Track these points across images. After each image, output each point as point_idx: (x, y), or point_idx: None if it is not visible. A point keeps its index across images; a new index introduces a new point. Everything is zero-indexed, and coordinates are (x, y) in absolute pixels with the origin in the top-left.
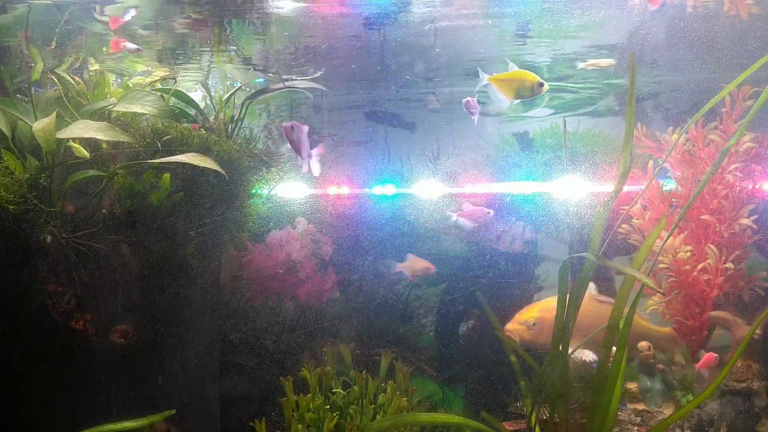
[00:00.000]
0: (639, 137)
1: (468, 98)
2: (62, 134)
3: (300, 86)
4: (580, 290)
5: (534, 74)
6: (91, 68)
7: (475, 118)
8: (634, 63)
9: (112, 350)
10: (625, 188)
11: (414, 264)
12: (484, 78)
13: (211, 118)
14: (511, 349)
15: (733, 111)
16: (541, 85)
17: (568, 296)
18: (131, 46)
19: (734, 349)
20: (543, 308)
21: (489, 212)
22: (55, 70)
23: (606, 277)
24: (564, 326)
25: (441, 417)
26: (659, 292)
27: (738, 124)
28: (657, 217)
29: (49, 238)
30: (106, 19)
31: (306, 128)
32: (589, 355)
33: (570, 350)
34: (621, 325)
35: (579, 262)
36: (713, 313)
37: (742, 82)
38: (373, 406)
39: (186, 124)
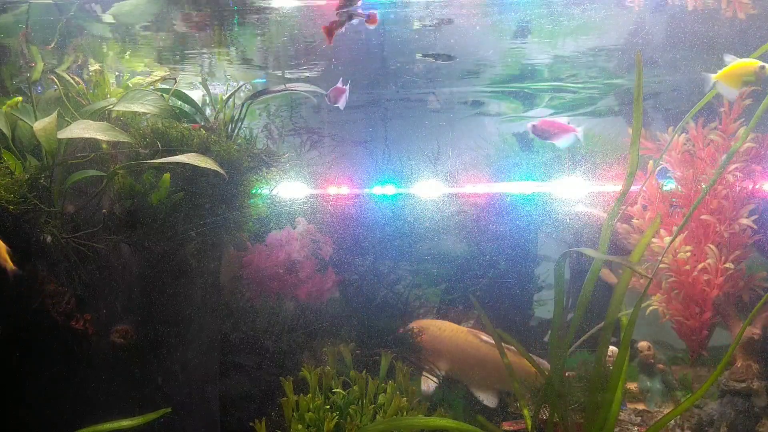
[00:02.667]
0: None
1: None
2: (62, 134)
3: (299, 89)
4: (588, 290)
5: (753, 60)
6: (91, 68)
7: (341, 104)
8: (640, 61)
9: (112, 350)
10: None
11: None
12: (710, 78)
13: (211, 118)
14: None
15: (732, 111)
16: (763, 67)
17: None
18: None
19: (736, 348)
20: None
21: None
22: (55, 70)
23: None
24: (561, 326)
25: (435, 421)
26: (646, 276)
27: (737, 123)
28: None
29: (49, 238)
30: (110, 20)
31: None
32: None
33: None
34: (624, 323)
35: (574, 260)
36: None
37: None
38: (373, 406)
39: (186, 124)
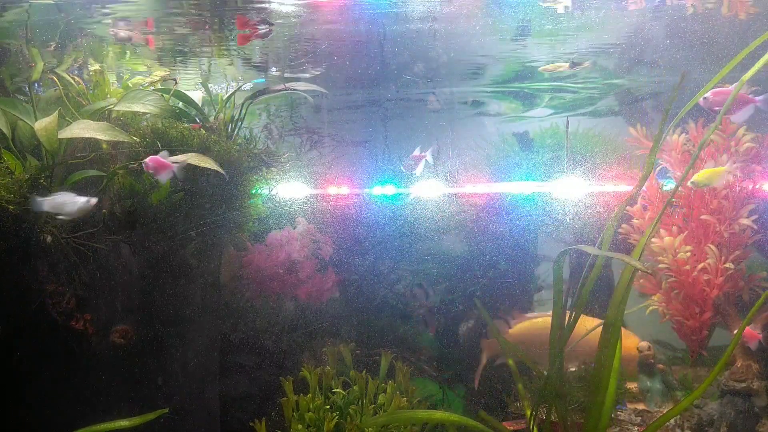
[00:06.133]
0: (639, 138)
1: None
2: (63, 134)
3: (299, 89)
4: (584, 290)
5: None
6: (91, 68)
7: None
8: (683, 79)
9: (112, 350)
10: (623, 189)
11: None
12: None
13: (211, 118)
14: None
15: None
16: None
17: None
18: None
19: (735, 347)
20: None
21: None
22: (55, 70)
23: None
24: (560, 326)
25: (435, 414)
26: (645, 271)
27: (737, 123)
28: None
29: (49, 238)
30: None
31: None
32: None
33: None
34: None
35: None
36: None
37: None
38: (373, 406)
39: (186, 124)
